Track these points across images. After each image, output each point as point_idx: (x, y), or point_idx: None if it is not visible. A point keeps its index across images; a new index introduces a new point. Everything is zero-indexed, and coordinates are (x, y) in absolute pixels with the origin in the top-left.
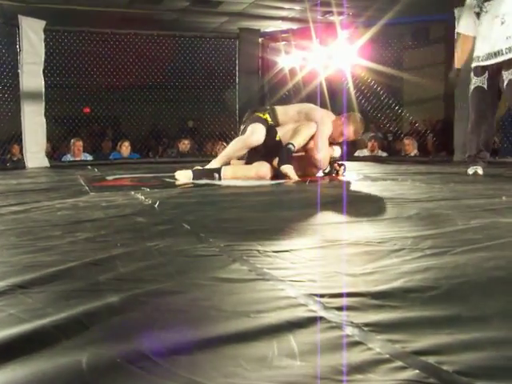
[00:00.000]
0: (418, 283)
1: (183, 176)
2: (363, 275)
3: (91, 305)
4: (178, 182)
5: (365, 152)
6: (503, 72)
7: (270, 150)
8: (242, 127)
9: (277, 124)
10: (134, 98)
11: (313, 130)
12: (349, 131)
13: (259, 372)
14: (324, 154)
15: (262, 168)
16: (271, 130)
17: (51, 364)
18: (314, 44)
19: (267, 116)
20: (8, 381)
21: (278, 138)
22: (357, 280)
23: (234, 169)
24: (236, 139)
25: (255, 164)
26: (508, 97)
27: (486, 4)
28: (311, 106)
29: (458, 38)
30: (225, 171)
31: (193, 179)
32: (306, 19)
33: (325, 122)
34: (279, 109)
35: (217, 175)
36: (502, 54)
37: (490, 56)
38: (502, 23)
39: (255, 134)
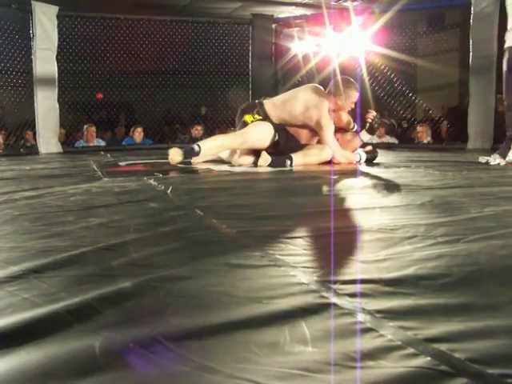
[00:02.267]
0: (430, 270)
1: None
2: (376, 262)
3: (104, 290)
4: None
5: (372, 138)
6: None
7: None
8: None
9: (268, 118)
10: (146, 83)
11: (326, 113)
12: (353, 95)
13: (271, 358)
14: (337, 150)
15: (327, 151)
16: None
17: (64, 348)
18: (327, 30)
19: (256, 117)
20: (23, 364)
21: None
22: (369, 267)
23: (303, 154)
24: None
25: (316, 149)
26: None
27: None
28: (297, 95)
29: None
30: (296, 158)
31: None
32: (319, 5)
33: (323, 121)
34: (267, 103)
35: (289, 162)
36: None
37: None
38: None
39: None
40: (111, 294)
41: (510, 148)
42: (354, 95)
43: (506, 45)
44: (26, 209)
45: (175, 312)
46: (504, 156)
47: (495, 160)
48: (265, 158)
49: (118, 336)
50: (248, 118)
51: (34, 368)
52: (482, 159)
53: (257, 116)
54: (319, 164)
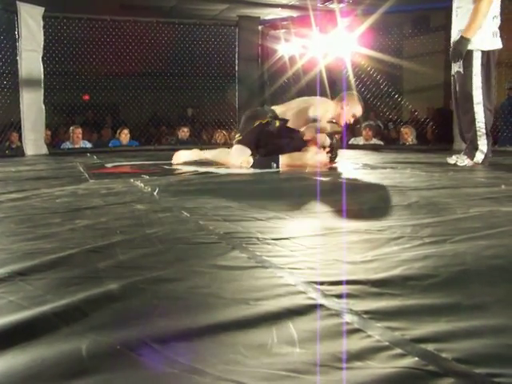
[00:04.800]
0: (417, 271)
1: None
2: (363, 263)
3: (91, 292)
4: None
5: (358, 140)
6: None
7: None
8: (241, 123)
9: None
10: (133, 85)
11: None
12: (358, 109)
13: (259, 359)
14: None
15: (320, 155)
16: (268, 124)
17: (51, 351)
18: (313, 32)
19: (269, 120)
20: (9, 367)
21: (277, 125)
22: (356, 268)
23: (291, 157)
24: (220, 152)
25: (309, 152)
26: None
27: None
28: (306, 99)
29: None
30: (282, 160)
31: (252, 167)
32: (305, 7)
33: (326, 103)
34: (277, 108)
35: (274, 164)
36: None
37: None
38: (456, 16)
39: (234, 157)
40: (98, 296)
41: (476, 149)
42: (358, 109)
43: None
44: (12, 211)
45: (162, 314)
46: (471, 157)
47: (463, 161)
48: (247, 160)
49: (105, 338)
50: (262, 121)
51: (20, 371)
52: (451, 160)
53: (268, 120)
54: (305, 166)
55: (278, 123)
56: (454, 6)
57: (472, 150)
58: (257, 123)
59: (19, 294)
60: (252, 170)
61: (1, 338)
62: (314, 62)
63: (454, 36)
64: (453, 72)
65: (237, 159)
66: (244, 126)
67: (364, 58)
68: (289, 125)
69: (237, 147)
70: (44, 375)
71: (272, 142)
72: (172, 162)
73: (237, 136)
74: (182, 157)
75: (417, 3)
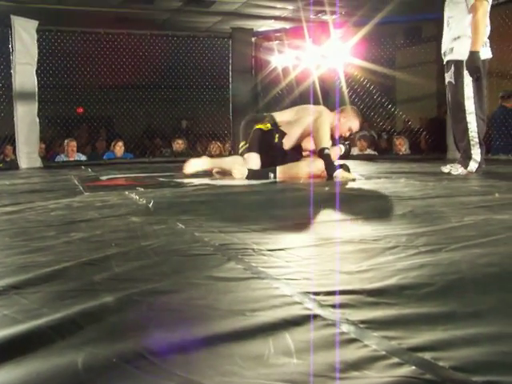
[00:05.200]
0: (413, 280)
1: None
2: (358, 273)
3: (86, 305)
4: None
5: (353, 151)
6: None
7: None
8: (241, 133)
9: (277, 126)
10: (127, 97)
11: (327, 117)
12: (355, 124)
13: (255, 370)
14: (328, 141)
15: (317, 165)
16: (269, 134)
17: (47, 364)
18: (306, 43)
19: (268, 126)
20: (3, 382)
21: (276, 140)
22: (352, 277)
23: (288, 167)
24: (233, 159)
25: (304, 163)
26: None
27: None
28: (306, 105)
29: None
30: (279, 170)
31: (246, 178)
32: (298, 18)
33: (325, 113)
34: (277, 114)
35: (272, 175)
36: (445, 55)
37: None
38: (448, 25)
39: (250, 165)
40: (94, 309)
41: (469, 158)
42: (356, 124)
43: (450, 58)
44: (6, 224)
45: (158, 326)
46: (465, 166)
47: (457, 170)
48: (240, 171)
49: (102, 351)
50: (260, 126)
51: None
52: (445, 169)
53: (268, 125)
54: (302, 177)
55: (277, 137)
56: (446, 15)
57: (465, 158)
58: (255, 127)
59: (14, 307)
60: (247, 182)
61: None
62: (308, 73)
63: (446, 45)
64: (446, 82)
65: (253, 167)
66: (245, 131)
67: (357, 68)
68: (288, 133)
69: (251, 155)
70: None
71: (272, 153)
72: (184, 171)
73: (242, 144)
74: (193, 165)
75: (409, 14)
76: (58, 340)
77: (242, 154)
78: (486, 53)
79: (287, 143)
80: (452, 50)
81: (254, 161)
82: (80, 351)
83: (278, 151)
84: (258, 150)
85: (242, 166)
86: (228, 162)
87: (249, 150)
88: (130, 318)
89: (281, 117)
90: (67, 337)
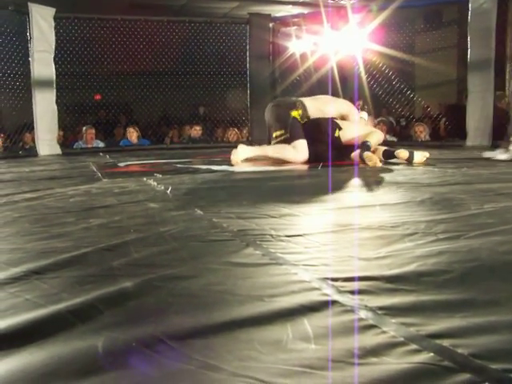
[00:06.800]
0: (431, 267)
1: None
2: (377, 259)
3: (106, 290)
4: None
5: None
6: None
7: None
8: (266, 117)
9: (308, 118)
10: (144, 84)
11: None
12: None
13: (274, 355)
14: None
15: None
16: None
17: (67, 348)
18: (325, 28)
19: (300, 112)
20: (26, 364)
21: (337, 135)
22: (370, 264)
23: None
24: (282, 148)
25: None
26: None
27: None
28: (333, 98)
29: None
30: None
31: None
32: (317, 3)
33: (352, 112)
34: (307, 101)
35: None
36: None
37: None
38: None
39: (301, 153)
40: (113, 294)
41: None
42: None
43: None
44: (26, 210)
45: (177, 311)
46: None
47: (503, 154)
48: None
49: (121, 336)
50: (295, 113)
51: (36, 368)
52: (492, 154)
53: (300, 111)
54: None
55: (337, 131)
56: None
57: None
58: (292, 115)
59: (35, 292)
60: (265, 168)
61: (18, 335)
62: (326, 58)
63: None
64: None
65: (303, 155)
66: (278, 117)
67: (376, 54)
68: (343, 128)
69: (300, 142)
70: (61, 372)
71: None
72: (231, 160)
73: (279, 132)
74: (241, 154)
75: None
76: (78, 324)
77: (280, 142)
78: None
79: (344, 137)
80: None
81: (302, 148)
82: (100, 335)
83: (334, 144)
84: (304, 138)
85: (292, 152)
86: (276, 151)
87: (292, 138)
88: (148, 302)
89: (309, 103)
90: (87, 321)
